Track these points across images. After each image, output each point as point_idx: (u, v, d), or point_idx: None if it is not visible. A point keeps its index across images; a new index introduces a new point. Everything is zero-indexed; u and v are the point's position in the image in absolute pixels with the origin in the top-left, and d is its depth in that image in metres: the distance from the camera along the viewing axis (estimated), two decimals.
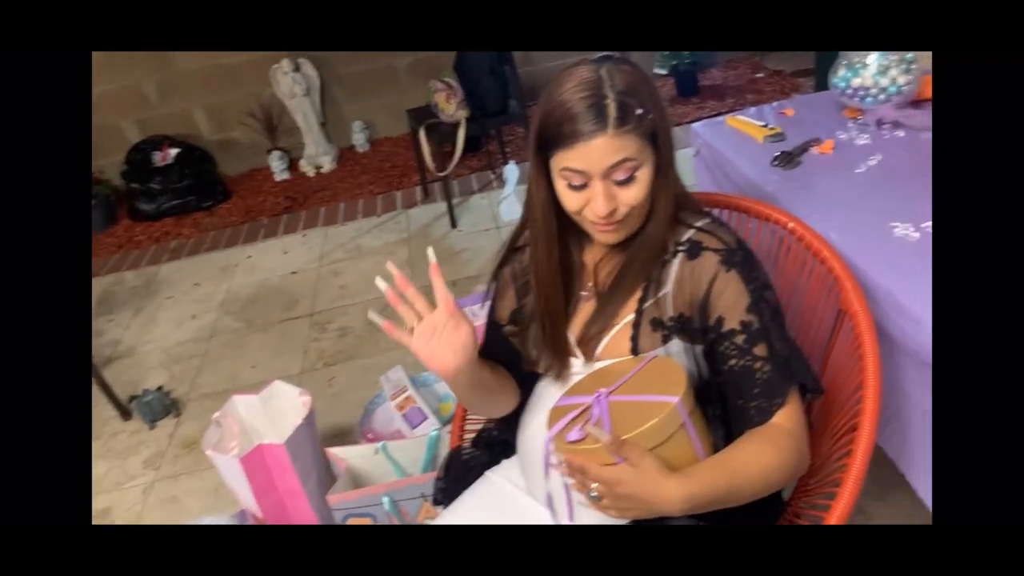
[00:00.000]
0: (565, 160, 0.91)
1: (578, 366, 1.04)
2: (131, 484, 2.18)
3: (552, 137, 0.91)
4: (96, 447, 2.35)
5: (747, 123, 1.71)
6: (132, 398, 2.44)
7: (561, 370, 1.05)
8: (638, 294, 1.00)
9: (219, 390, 2.47)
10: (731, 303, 0.95)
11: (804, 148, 1.54)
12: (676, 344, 0.98)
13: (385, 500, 1.58)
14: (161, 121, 4.02)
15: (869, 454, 0.96)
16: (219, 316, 2.94)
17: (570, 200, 0.95)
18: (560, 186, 0.95)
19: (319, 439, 1.81)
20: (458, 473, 1.25)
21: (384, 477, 1.71)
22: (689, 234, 0.99)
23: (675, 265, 0.98)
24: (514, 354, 1.12)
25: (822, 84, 2.96)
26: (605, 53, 0.94)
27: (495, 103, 3.12)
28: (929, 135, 1.49)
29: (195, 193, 3.88)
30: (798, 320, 1.21)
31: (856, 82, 1.57)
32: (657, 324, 0.98)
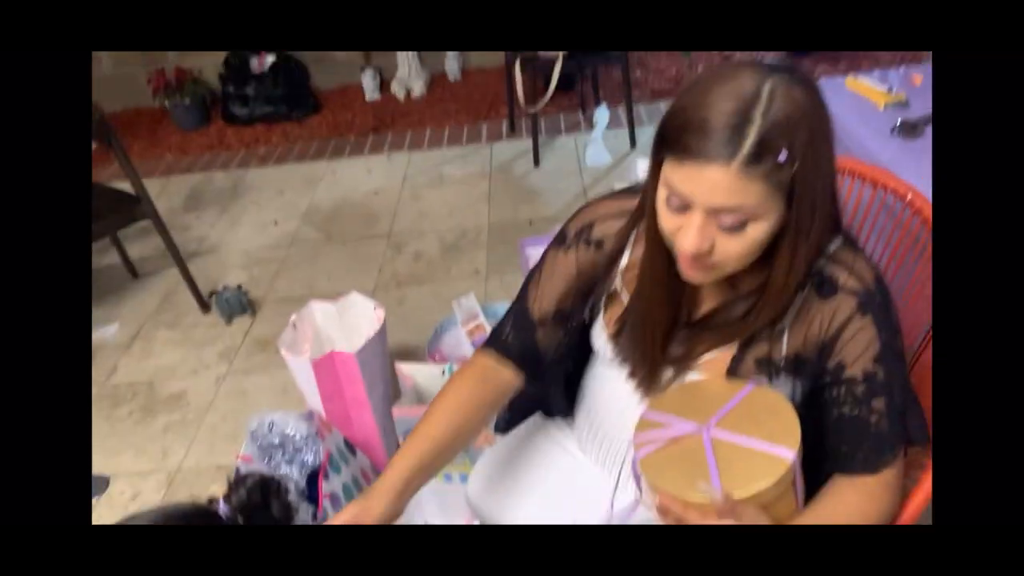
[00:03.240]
0: (672, 173, 0.77)
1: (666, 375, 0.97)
2: (206, 373, 2.28)
3: (671, 139, 0.77)
4: (174, 335, 2.47)
5: (868, 87, 1.61)
6: (212, 293, 2.54)
7: (651, 383, 0.96)
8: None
9: (294, 296, 2.55)
10: (858, 351, 0.85)
11: (930, 119, 1.45)
12: (782, 381, 0.89)
13: None
14: None
15: None
16: (300, 225, 3.01)
17: (665, 217, 0.81)
18: (660, 196, 0.81)
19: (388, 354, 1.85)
20: (521, 404, 1.26)
21: None
22: (819, 263, 0.85)
23: (799, 298, 0.86)
24: (539, 354, 1.03)
25: None
26: (781, 64, 0.77)
27: None
28: None
29: (287, 103, 3.94)
30: (901, 301, 1.15)
31: None
32: (763, 363, 0.88)
